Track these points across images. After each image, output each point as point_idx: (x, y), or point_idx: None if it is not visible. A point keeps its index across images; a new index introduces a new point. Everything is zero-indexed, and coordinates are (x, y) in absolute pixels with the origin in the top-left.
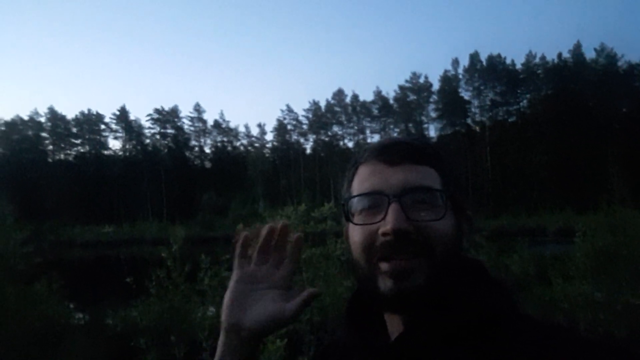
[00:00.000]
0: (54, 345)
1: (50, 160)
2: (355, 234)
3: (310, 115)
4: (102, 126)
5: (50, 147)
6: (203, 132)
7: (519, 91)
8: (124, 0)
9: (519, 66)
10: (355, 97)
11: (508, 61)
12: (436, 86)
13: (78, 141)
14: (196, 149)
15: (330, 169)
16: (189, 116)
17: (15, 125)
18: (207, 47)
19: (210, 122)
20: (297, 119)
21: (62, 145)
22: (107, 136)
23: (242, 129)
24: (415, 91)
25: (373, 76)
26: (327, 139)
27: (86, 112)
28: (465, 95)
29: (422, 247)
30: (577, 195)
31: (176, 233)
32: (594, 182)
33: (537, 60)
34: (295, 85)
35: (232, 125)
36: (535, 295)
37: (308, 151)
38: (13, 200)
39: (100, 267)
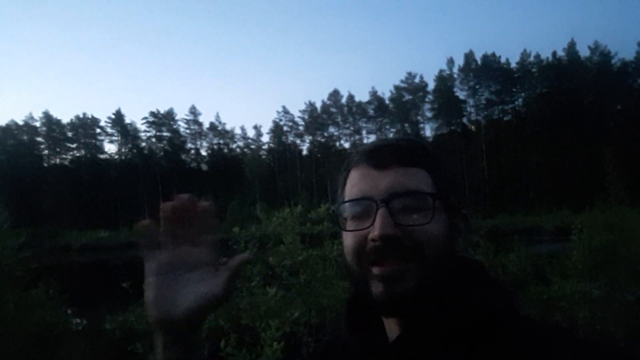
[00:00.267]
0: (52, 351)
1: (46, 164)
2: (347, 239)
3: (306, 117)
4: (98, 130)
5: (46, 151)
6: (199, 134)
7: (514, 90)
8: (119, 4)
9: (513, 65)
10: (351, 97)
11: (503, 60)
12: (431, 86)
13: (74, 145)
14: (192, 151)
15: (327, 170)
16: (184, 119)
17: (10, 130)
18: (201, 50)
19: (206, 125)
20: (293, 120)
21: (58, 150)
22: (102, 140)
23: (238, 131)
24: (410, 91)
25: (368, 77)
26: (323, 140)
27: (81, 116)
28: (461, 94)
29: (412, 251)
30: (574, 194)
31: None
32: (590, 180)
33: (531, 58)
34: (290, 87)
35: (228, 127)
36: (533, 294)
37: (304, 152)
38: (9, 205)
39: (98, 271)
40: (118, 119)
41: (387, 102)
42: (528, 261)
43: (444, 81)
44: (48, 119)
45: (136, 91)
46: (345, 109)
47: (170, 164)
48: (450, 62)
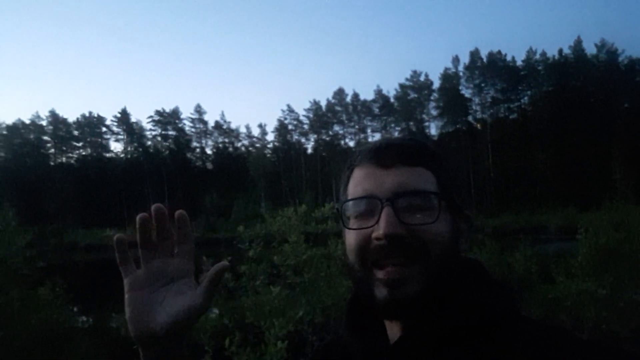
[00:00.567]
0: (58, 349)
1: (52, 163)
2: (350, 238)
3: (311, 115)
4: (104, 129)
5: (52, 150)
6: (204, 133)
7: (519, 88)
8: (124, 3)
9: (519, 63)
10: (355, 96)
11: (509, 58)
12: (437, 84)
13: (80, 144)
14: (197, 150)
15: (331, 168)
16: (190, 117)
17: (17, 129)
18: (207, 49)
19: (211, 123)
20: (298, 119)
21: (64, 149)
22: (108, 139)
23: (243, 130)
24: (416, 89)
25: (373, 75)
26: (328, 138)
27: (87, 115)
28: (466, 92)
29: (417, 250)
30: (580, 193)
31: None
32: (596, 179)
33: (537, 56)
34: (295, 85)
35: (233, 126)
36: (538, 294)
37: (309, 151)
38: (16, 204)
39: (104, 270)
40: (124, 118)
41: (392, 100)
42: (533, 260)
43: (450, 79)
44: (54, 117)
45: (142, 90)
46: (350, 107)
47: (176, 162)
48: (456, 60)
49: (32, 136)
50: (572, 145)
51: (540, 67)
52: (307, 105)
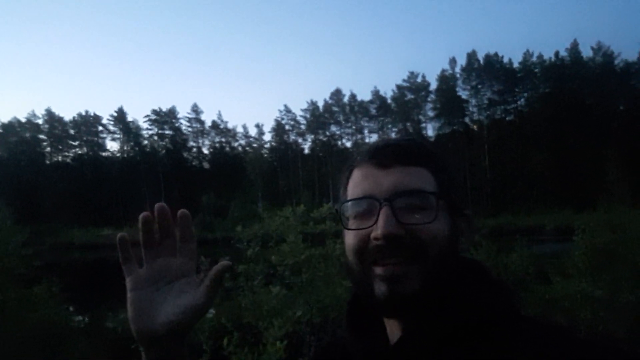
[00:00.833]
0: (54, 348)
1: (48, 162)
2: (349, 238)
3: (308, 115)
4: (100, 128)
5: (48, 149)
6: (201, 132)
7: (516, 90)
8: (121, 2)
9: (516, 65)
10: (353, 96)
11: (505, 60)
12: (434, 85)
13: (76, 143)
14: (194, 149)
15: (328, 169)
16: (186, 117)
17: (12, 127)
18: (204, 48)
19: (208, 123)
20: (295, 119)
21: (60, 147)
22: (104, 138)
23: (240, 130)
24: (413, 90)
25: (371, 76)
26: (325, 139)
27: (84, 113)
28: (463, 94)
29: (415, 250)
30: (576, 194)
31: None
32: (592, 180)
33: (534, 58)
34: (293, 86)
35: (230, 125)
36: (534, 294)
37: (306, 151)
38: (11, 203)
39: (99, 269)
40: (120, 117)
41: (389, 101)
42: (530, 261)
43: (447, 81)
44: (50, 116)
45: (138, 89)
46: (347, 108)
47: (172, 162)
48: (453, 61)
49: (28, 135)
50: (568, 147)
51: (536, 69)
52: (305, 106)
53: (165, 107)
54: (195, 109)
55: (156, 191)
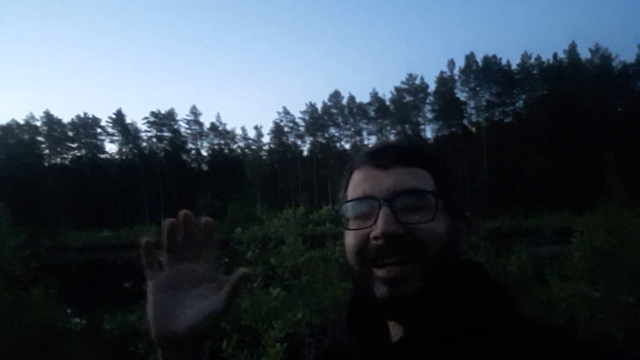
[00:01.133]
0: (51, 351)
1: (46, 164)
2: (349, 238)
3: (307, 117)
4: (99, 130)
5: (47, 151)
6: (200, 134)
7: (514, 92)
8: (120, 4)
9: (514, 67)
10: (351, 98)
11: (504, 62)
12: (432, 87)
13: (74, 145)
14: (193, 151)
15: (327, 170)
16: (185, 119)
17: (11, 129)
18: (203, 50)
19: (206, 125)
20: (293, 121)
21: (59, 149)
22: (103, 140)
23: (238, 132)
24: (411, 92)
25: (369, 78)
26: (324, 140)
27: (82, 115)
28: (461, 96)
29: (414, 249)
30: (574, 196)
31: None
32: (590, 182)
33: (532, 60)
34: (291, 87)
35: (228, 127)
36: (533, 296)
37: (305, 153)
38: (9, 205)
39: (98, 271)
40: (119, 119)
41: (387, 103)
42: (528, 263)
43: (445, 83)
44: (49, 118)
45: (137, 91)
46: (346, 110)
47: (171, 164)
48: (451, 63)
49: (26, 137)
50: (566, 148)
51: (535, 71)
52: (303, 108)
53: (164, 109)
54: (194, 111)
55: (155, 193)
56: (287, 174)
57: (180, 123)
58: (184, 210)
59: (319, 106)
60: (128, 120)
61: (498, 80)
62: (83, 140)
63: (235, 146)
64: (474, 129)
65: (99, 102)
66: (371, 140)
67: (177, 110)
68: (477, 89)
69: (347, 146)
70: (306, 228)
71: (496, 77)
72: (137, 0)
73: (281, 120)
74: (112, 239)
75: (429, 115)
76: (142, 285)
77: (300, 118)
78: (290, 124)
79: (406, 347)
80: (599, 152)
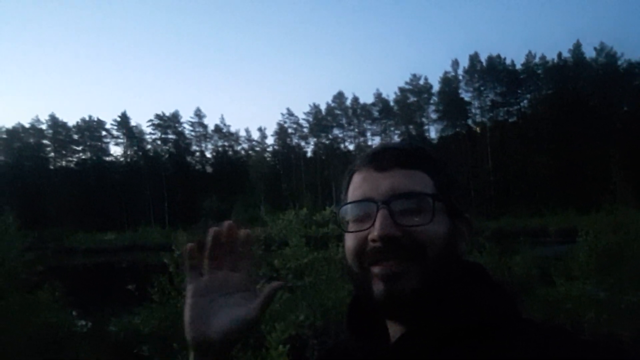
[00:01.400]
0: (57, 353)
1: (51, 167)
2: (348, 240)
3: (311, 119)
4: (104, 132)
5: (52, 154)
6: (204, 137)
7: (519, 91)
8: (124, 7)
9: (519, 66)
10: (355, 99)
11: (508, 61)
12: (436, 87)
13: (79, 148)
14: (197, 154)
15: (331, 172)
16: (189, 121)
17: (16, 132)
18: (206, 52)
19: (211, 127)
20: (297, 123)
21: (64, 152)
22: (108, 142)
23: (242, 133)
24: (415, 93)
25: (373, 78)
26: (327, 142)
27: (87, 118)
28: (466, 96)
29: (413, 251)
30: (580, 196)
31: (179, 238)
32: (596, 182)
33: (537, 60)
34: (295, 89)
35: (232, 129)
36: (538, 296)
37: (309, 154)
38: (15, 208)
39: (103, 273)
40: (124, 122)
41: (391, 104)
42: (533, 263)
43: (449, 83)
44: (54, 121)
45: (142, 94)
46: (350, 110)
47: (176, 166)
48: (455, 63)
49: (31, 140)
50: (571, 148)
51: (539, 71)
52: (307, 109)
53: (168, 112)
54: (198, 113)
55: (159, 195)
56: (290, 175)
57: (185, 125)
58: (228, 222)
59: (323, 107)
60: (133, 123)
61: (502, 80)
62: (88, 143)
63: (239, 148)
64: (478, 129)
65: (104, 105)
66: (375, 141)
67: (181, 113)
68: (482, 88)
69: (351, 147)
70: (309, 229)
71: (500, 77)
72: (142, 4)
73: (285, 122)
74: (117, 241)
75: (433, 116)
76: (145, 287)
77: (304, 119)
78: (294, 125)
79: (404, 346)
80: (605, 152)
